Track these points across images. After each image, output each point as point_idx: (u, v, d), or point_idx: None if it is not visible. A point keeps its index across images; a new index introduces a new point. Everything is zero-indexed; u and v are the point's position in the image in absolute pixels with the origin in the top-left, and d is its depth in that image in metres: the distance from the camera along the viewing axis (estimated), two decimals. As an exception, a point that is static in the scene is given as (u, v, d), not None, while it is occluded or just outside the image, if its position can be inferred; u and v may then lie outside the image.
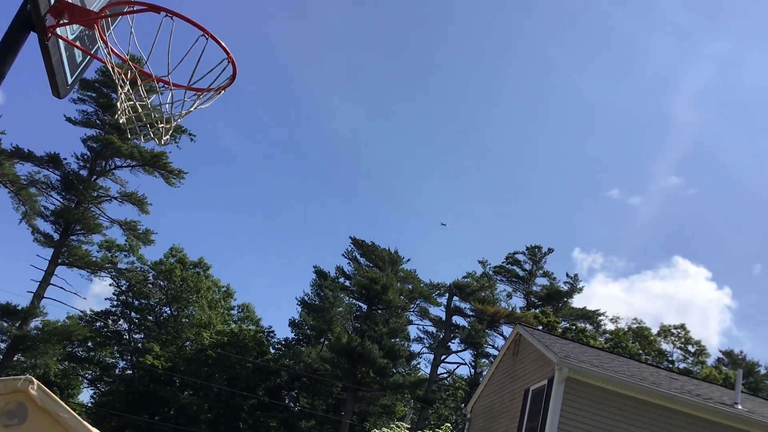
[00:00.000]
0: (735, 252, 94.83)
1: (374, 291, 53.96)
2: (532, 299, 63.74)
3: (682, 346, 58.31)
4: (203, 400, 50.98)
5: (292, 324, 59.22)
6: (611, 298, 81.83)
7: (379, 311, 56.06)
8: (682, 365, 56.42)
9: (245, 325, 62.22)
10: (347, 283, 59.46)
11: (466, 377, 61.25)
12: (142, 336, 57.82)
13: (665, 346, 58.46)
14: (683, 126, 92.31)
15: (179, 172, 50.70)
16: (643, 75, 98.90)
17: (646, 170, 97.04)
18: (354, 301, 59.11)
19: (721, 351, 58.16)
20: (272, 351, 58.09)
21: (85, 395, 67.23)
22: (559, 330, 53.28)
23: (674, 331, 58.66)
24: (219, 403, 51.88)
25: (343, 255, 60.40)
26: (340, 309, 59.72)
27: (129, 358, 56.71)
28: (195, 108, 4.41)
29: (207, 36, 4.07)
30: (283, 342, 59.42)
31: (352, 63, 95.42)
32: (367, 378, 52.25)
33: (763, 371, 55.28)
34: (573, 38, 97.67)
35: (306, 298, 58.83)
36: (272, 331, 60.35)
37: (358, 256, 60.30)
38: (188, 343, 56.86)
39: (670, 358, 57.69)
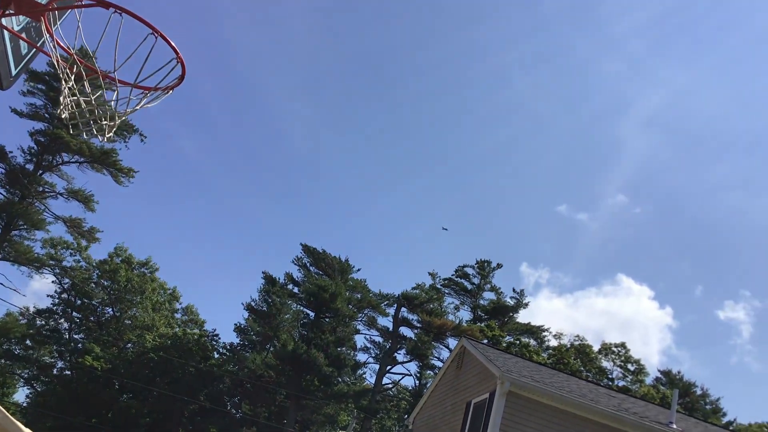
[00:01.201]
0: (677, 273, 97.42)
1: (323, 299, 53.74)
2: (479, 313, 64.25)
3: (622, 364, 59.47)
4: (143, 403, 49.94)
5: (238, 329, 58.47)
6: (556, 313, 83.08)
7: (327, 319, 55.80)
8: (621, 383, 57.48)
9: (189, 329, 61.21)
10: (296, 290, 59.07)
11: (410, 388, 61.39)
12: (83, 336, 56.41)
13: (606, 364, 59.56)
14: (633, 148, 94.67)
15: (129, 171, 49.81)
16: (596, 97, 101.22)
17: (594, 188, 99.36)
18: (302, 308, 58.80)
19: (659, 370, 59.54)
20: (216, 356, 57.24)
21: (21, 395, 65.19)
22: (504, 344, 53.83)
23: (615, 349, 59.80)
24: (159, 408, 50.90)
25: (293, 262, 60.12)
26: (288, 316, 59.29)
27: (68, 358, 55.25)
28: (141, 106, 4.35)
29: (156, 34, 4.03)
30: (228, 347, 58.65)
31: (313, 70, 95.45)
32: (311, 386, 51.94)
33: (699, 392, 56.64)
34: (530, 58, 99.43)
35: (253, 304, 58.23)
36: (217, 336, 59.54)
37: (308, 264, 60.03)
38: (130, 345, 55.68)
39: (610, 376, 58.76)
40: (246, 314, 58.05)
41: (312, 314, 56.58)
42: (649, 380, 58.28)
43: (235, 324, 58.91)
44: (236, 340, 59.47)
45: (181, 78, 4.42)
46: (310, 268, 59.93)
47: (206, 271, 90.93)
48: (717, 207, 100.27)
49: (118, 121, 4.48)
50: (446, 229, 70.92)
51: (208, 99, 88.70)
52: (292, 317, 59.61)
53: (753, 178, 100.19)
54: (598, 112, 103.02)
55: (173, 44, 4.23)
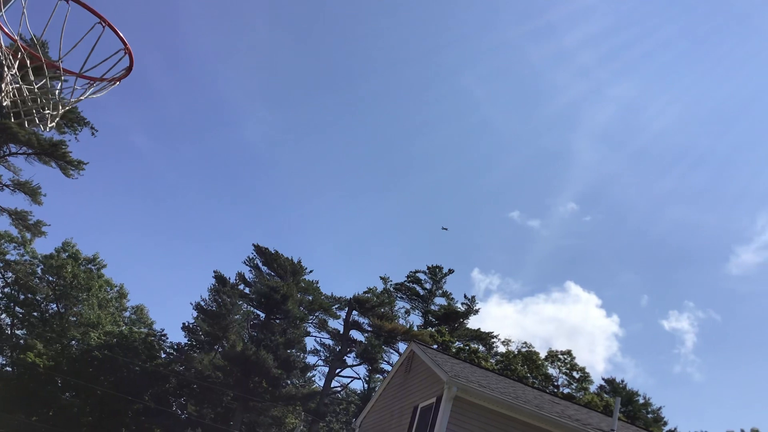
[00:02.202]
0: (625, 282, 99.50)
1: (274, 300, 53.38)
2: (430, 318, 64.55)
3: (568, 371, 60.39)
4: (85, 402, 48.87)
5: (186, 329, 57.61)
6: (505, 319, 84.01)
7: (278, 321, 55.43)
8: (566, 390, 58.39)
9: (137, 328, 60.12)
10: (247, 290, 58.53)
11: (359, 392, 61.34)
12: (25, 332, 54.99)
13: (552, 371, 60.37)
14: (584, 159, 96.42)
15: (78, 164, 48.70)
16: (549, 107, 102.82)
17: (546, 196, 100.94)
18: (252, 309, 58.24)
19: (603, 378, 60.46)
20: (163, 355, 56.32)
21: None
22: (453, 350, 54.17)
23: (561, 356, 60.70)
24: (102, 406, 49.85)
25: (245, 262, 59.59)
26: (238, 316, 58.68)
27: (9, 354, 53.76)
28: (87, 97, 4.26)
29: (104, 24, 3.95)
30: (176, 347, 57.74)
31: (272, 73, 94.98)
32: (259, 388, 51.51)
33: (641, 401, 57.77)
34: (487, 69, 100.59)
35: (203, 303, 57.45)
36: (164, 335, 58.55)
37: (260, 264, 59.56)
38: (74, 342, 54.42)
39: (556, 383, 59.61)
40: (195, 314, 57.31)
41: (263, 315, 56.15)
42: (593, 388, 59.30)
43: (184, 323, 58.10)
44: (184, 340, 58.68)
45: (129, 69, 4.35)
46: (262, 268, 59.49)
47: (156, 269, 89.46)
48: (663, 219, 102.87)
49: (61, 111, 4.38)
50: (446, 229, 71.04)
51: (165, 94, 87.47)
52: (242, 318, 59.03)
53: (698, 192, 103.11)
54: (552, 122, 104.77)
55: (121, 35, 4.15)
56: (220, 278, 58.27)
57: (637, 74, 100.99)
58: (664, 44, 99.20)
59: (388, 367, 57.13)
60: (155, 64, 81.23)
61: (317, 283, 59.78)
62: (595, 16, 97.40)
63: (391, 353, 59.15)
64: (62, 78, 4.25)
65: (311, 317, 59.82)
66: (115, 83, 4.42)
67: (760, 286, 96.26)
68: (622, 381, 59.19)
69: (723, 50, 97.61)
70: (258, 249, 58.98)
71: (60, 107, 4.35)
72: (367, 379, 59.55)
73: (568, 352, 60.82)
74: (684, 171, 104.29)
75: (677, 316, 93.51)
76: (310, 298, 59.16)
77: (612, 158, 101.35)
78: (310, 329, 60.18)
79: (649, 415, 56.44)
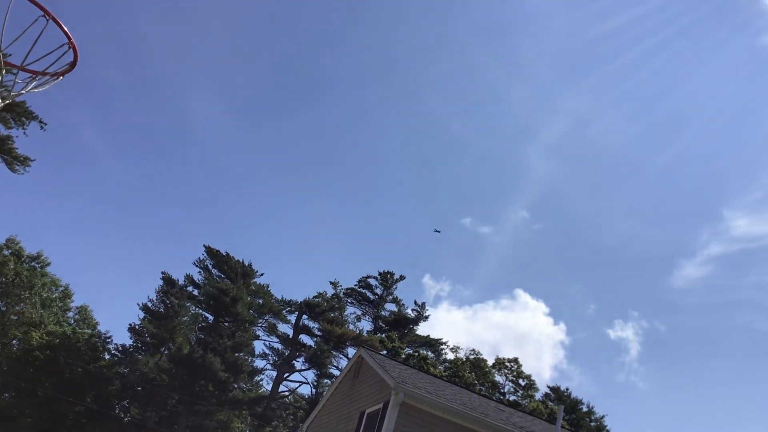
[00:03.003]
0: (572, 291, 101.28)
1: (223, 303, 52.79)
2: (380, 324, 64.66)
3: (514, 379, 61.13)
4: (26, 403, 47.53)
5: (132, 330, 56.49)
6: (454, 325, 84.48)
7: (226, 324, 54.80)
8: (512, 398, 59.07)
9: (81, 328, 58.69)
10: (196, 292, 57.69)
11: (307, 397, 60.98)
12: (-38, 331, 53.24)
13: (499, 378, 61.05)
14: (537, 170, 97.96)
15: (25, 159, 47.51)
16: (505, 120, 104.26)
17: (498, 203, 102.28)
18: (201, 311, 57.42)
19: (548, 386, 61.36)
20: (107, 357, 55.09)
21: None
22: (403, 356, 54.33)
23: (508, 364, 61.41)
24: (43, 408, 48.52)
25: (195, 263, 58.74)
26: (185, 318, 57.81)
27: (-55, 353, 52.00)
28: (29, 90, 4.17)
29: (47, 17, 3.88)
30: (120, 348, 56.51)
31: (228, 73, 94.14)
32: (205, 392, 50.82)
33: (585, 409, 58.76)
34: (443, 78, 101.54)
35: (150, 305, 56.40)
36: (109, 337, 57.24)
37: (211, 266, 58.80)
38: (15, 342, 52.90)
39: (502, 390, 60.26)
40: (142, 315, 56.25)
41: (211, 318, 55.44)
42: (538, 396, 60.12)
43: (130, 324, 56.95)
44: (129, 342, 57.48)
45: (73, 64, 4.27)
46: (213, 270, 58.76)
47: (103, 269, 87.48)
48: (612, 231, 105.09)
49: (2, 104, 4.28)
50: (439, 231, 71.16)
51: (117, 92, 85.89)
52: (190, 320, 58.17)
53: (645, 206, 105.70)
54: (506, 134, 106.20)
55: (65, 28, 4.08)
56: (168, 280, 57.34)
57: (588, 88, 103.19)
58: (617, 63, 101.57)
59: (336, 372, 57.01)
60: (110, 61, 79.75)
61: (268, 286, 59.39)
62: (551, 31, 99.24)
63: (341, 358, 59.10)
64: (2, 71, 4.16)
65: (261, 321, 59.34)
66: (58, 77, 4.34)
67: (702, 298, 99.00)
68: (567, 389, 60.18)
69: (670, 66, 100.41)
70: (209, 251, 58.29)
71: (0, 100, 4.25)
72: (315, 383, 59.32)
73: (515, 360, 61.61)
74: (632, 184, 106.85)
75: (622, 325, 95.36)
76: (261, 301, 58.67)
77: (563, 169, 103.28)
78: (260, 333, 59.73)
79: (592, 423, 57.44)
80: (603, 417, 58.54)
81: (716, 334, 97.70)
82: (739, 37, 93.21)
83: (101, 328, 61.34)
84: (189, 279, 57.80)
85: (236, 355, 52.49)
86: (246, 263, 58.43)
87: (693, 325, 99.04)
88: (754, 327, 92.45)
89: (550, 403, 56.35)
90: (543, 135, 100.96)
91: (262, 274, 59.51)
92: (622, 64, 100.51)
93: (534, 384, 60.82)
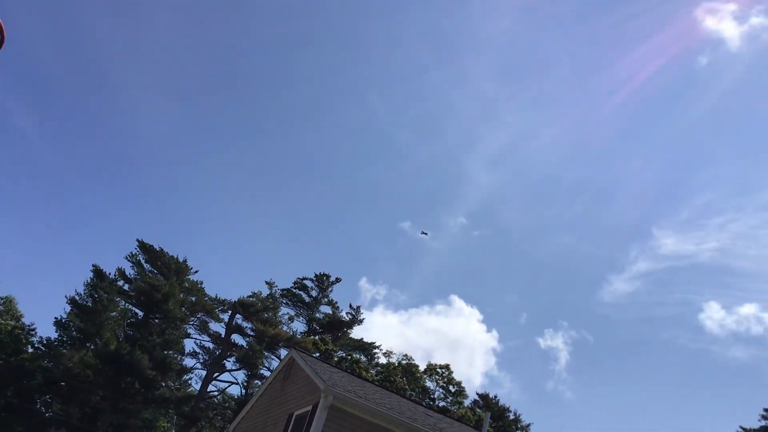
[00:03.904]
0: (506, 299, 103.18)
1: (154, 299, 51.75)
2: (314, 326, 64.51)
3: (445, 385, 61.85)
4: (-62, 396, 45.70)
5: (58, 323, 54.79)
6: (389, 329, 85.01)
7: (157, 320, 53.73)
8: (442, 404, 59.71)
9: (3, 320, 56.66)
10: (126, 287, 56.35)
11: (236, 397, 60.34)
12: None
13: (429, 384, 61.65)
14: (477, 180, 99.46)
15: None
16: (447, 127, 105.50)
17: (437, 209, 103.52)
18: (131, 306, 56.12)
19: (478, 393, 62.29)
20: (30, 350, 53.30)
21: None
22: (336, 359, 54.36)
23: (439, 370, 62.10)
24: (-43, 402, 46.73)
25: (127, 258, 57.37)
26: (114, 313, 56.35)
27: None
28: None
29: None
30: (44, 342, 54.75)
31: (172, 67, 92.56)
32: (131, 389, 49.71)
33: (512, 416, 59.83)
34: (391, 86, 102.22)
35: (77, 298, 54.77)
36: (33, 329, 55.44)
37: (143, 261, 57.56)
38: (-69, 332, 50.78)
39: (433, 396, 60.87)
40: (69, 308, 54.63)
41: (141, 314, 54.27)
42: (467, 402, 60.95)
43: (56, 318, 55.23)
44: (54, 335, 55.75)
45: (0, 43, 4.20)
46: (145, 265, 57.52)
47: (30, 259, 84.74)
48: (546, 243, 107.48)
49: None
50: (426, 234, 70.98)
51: (55, 80, 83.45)
52: (119, 315, 56.77)
53: (576, 222, 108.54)
54: (450, 141, 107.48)
55: None
56: (98, 272, 55.85)
57: (528, 103, 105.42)
58: (558, 79, 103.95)
59: (267, 373, 56.56)
60: (49, 46, 77.48)
61: (202, 283, 58.44)
62: (497, 44, 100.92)
63: (272, 359, 58.69)
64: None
65: (193, 318, 58.37)
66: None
67: (629, 313, 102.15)
68: (495, 396, 61.20)
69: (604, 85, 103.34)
70: (142, 245, 57.06)
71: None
72: (245, 384, 58.72)
73: (447, 366, 62.31)
74: (566, 201, 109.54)
75: (552, 334, 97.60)
76: (194, 298, 57.73)
77: (503, 182, 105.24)
78: (191, 331, 58.78)
79: (518, 431, 58.55)
80: (529, 425, 59.76)
81: (641, 348, 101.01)
82: (677, 60, 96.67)
83: (25, 320, 59.38)
84: (120, 273, 56.42)
85: (165, 352, 51.48)
86: (180, 259, 57.48)
87: (620, 338, 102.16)
88: (677, 342, 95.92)
89: (479, 410, 57.20)
90: (484, 145, 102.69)
91: (196, 271, 58.63)
92: (562, 79, 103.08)
93: (464, 391, 61.66)
